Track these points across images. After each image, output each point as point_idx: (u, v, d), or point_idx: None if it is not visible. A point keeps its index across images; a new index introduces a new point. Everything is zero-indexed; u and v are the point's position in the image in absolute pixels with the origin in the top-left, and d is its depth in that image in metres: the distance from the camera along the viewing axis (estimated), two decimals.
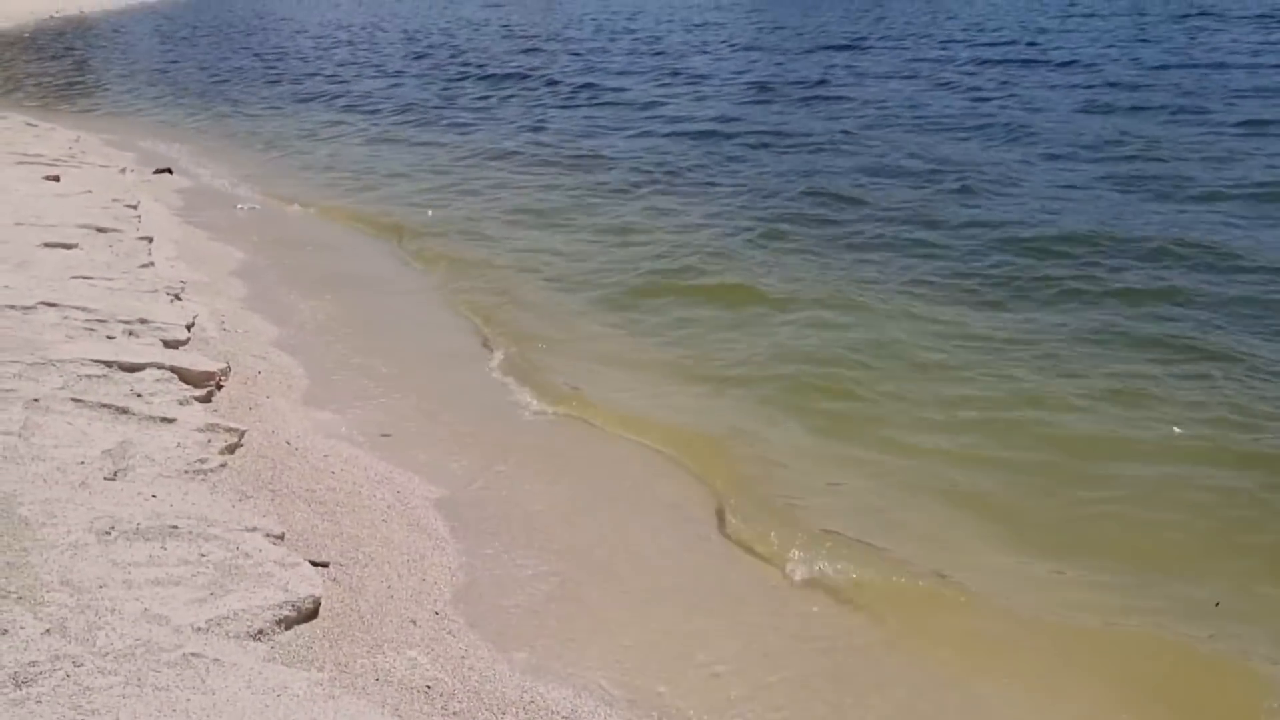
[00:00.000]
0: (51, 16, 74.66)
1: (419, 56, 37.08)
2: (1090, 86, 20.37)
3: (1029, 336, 8.74)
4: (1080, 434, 7.06)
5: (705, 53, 32.00)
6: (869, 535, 5.99)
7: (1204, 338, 8.47)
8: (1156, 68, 21.95)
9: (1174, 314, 9.06)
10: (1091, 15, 34.09)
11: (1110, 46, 25.91)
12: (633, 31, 41.15)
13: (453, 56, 35.93)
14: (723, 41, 35.42)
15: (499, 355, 8.78)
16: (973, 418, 7.32)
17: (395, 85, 29.16)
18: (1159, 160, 14.40)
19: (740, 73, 26.18)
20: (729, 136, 17.90)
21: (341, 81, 30.96)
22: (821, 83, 23.43)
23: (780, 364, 8.36)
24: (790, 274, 10.58)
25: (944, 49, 28.21)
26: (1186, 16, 31.46)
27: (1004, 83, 21.50)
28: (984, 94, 20.42)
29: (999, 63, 24.56)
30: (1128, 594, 5.52)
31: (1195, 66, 21.75)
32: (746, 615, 5.31)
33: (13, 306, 7.25)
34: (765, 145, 17.16)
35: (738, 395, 7.85)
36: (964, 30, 33.16)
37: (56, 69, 38.51)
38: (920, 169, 14.87)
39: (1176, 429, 7.08)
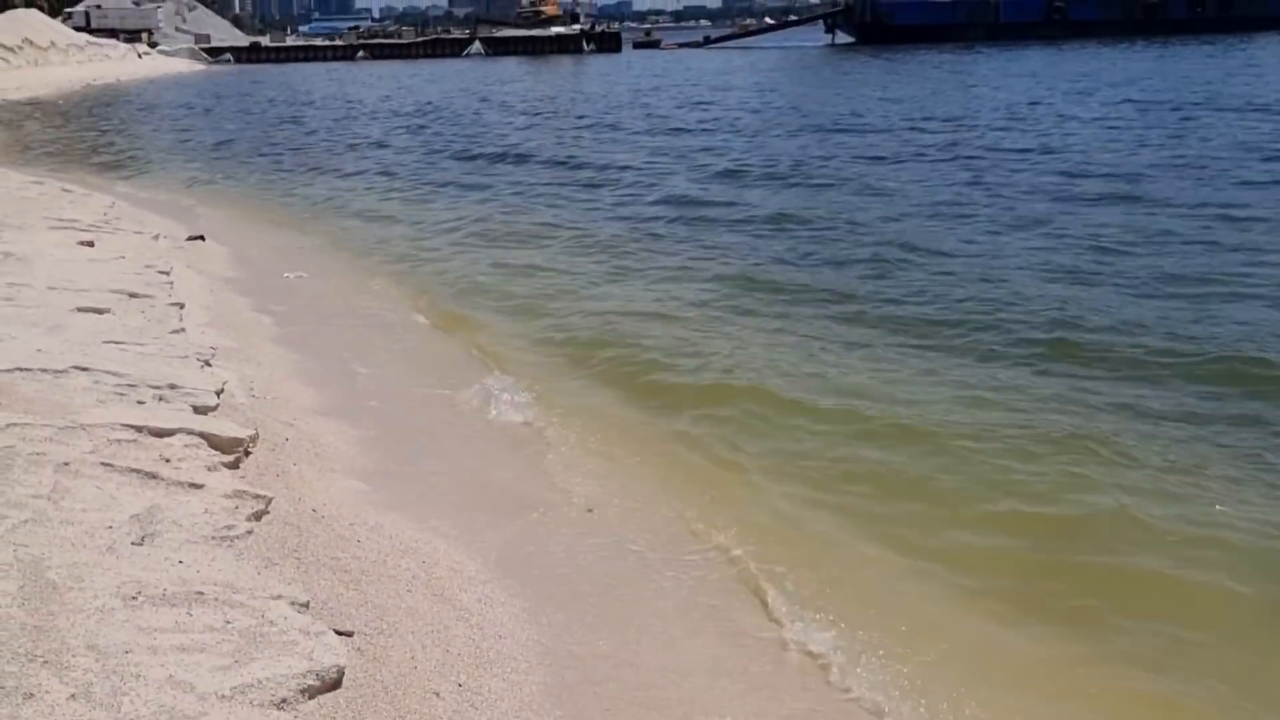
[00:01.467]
0: (88, 85, 76.03)
1: (422, 126, 37.82)
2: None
3: (1037, 410, 8.72)
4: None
5: (737, 132, 32.48)
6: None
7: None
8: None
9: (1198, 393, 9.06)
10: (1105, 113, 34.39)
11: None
12: (648, 106, 41.89)
13: (481, 131, 36.45)
14: (731, 121, 35.88)
15: (519, 420, 8.79)
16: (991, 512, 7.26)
17: (412, 156, 29.69)
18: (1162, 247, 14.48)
19: (744, 153, 26.62)
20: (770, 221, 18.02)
21: (372, 152, 31.46)
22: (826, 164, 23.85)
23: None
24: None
25: (958, 135, 28.51)
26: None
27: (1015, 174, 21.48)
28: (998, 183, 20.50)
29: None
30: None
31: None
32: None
33: (45, 370, 7.31)
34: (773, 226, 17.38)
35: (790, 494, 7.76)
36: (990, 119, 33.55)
37: (93, 135, 39.18)
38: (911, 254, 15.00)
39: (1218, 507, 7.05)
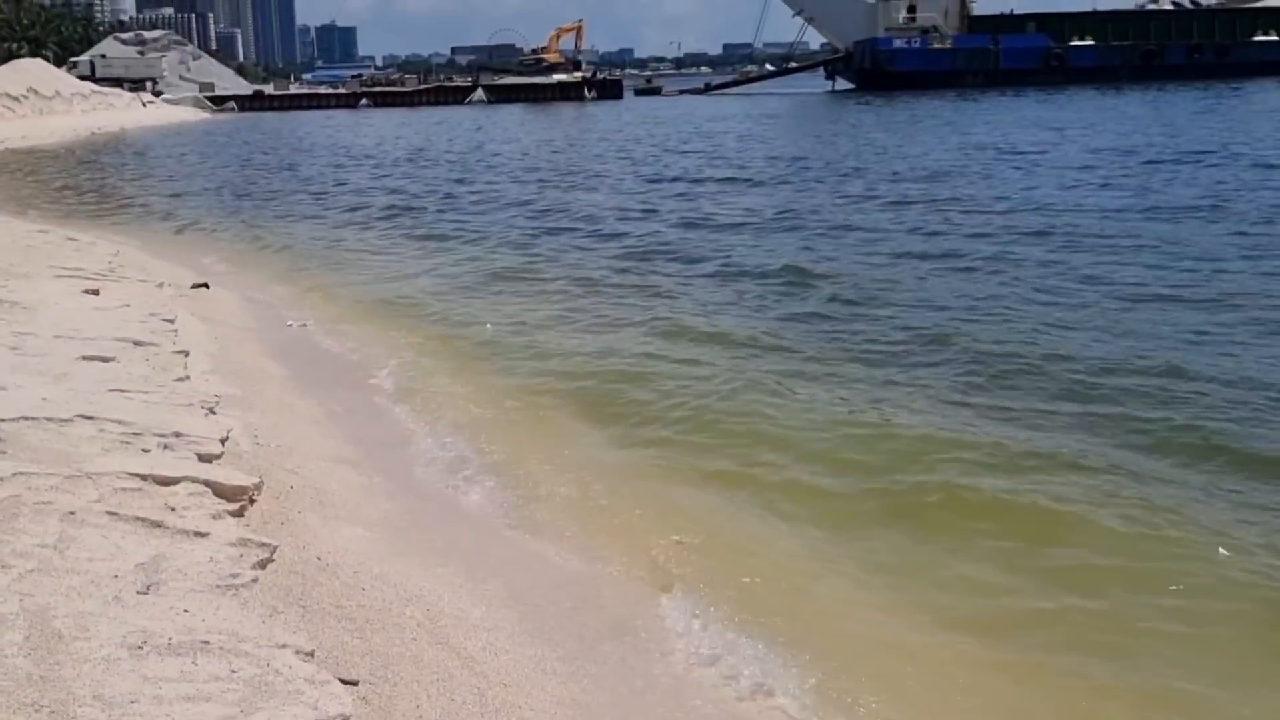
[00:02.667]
0: (93, 133, 76.49)
1: (417, 174, 38.15)
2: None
3: (1050, 451, 8.74)
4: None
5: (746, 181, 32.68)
6: None
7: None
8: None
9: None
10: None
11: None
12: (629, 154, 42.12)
13: (494, 180, 36.70)
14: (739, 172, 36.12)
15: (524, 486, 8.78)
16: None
17: (406, 202, 29.91)
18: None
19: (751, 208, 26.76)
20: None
21: (367, 198, 31.71)
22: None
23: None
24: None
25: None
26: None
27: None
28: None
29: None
30: None
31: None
32: None
33: (51, 418, 7.33)
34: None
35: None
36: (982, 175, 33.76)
37: (97, 183, 39.38)
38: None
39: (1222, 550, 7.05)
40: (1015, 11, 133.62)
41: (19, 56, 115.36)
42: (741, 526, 7.89)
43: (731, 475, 8.79)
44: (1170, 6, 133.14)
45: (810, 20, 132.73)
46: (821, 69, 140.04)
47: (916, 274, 16.92)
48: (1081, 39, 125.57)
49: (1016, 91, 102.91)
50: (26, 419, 7.22)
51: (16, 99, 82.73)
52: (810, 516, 7.97)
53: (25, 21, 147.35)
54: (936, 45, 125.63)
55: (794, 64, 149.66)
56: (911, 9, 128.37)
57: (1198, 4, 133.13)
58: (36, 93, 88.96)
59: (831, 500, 8.24)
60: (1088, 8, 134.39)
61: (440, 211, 28.00)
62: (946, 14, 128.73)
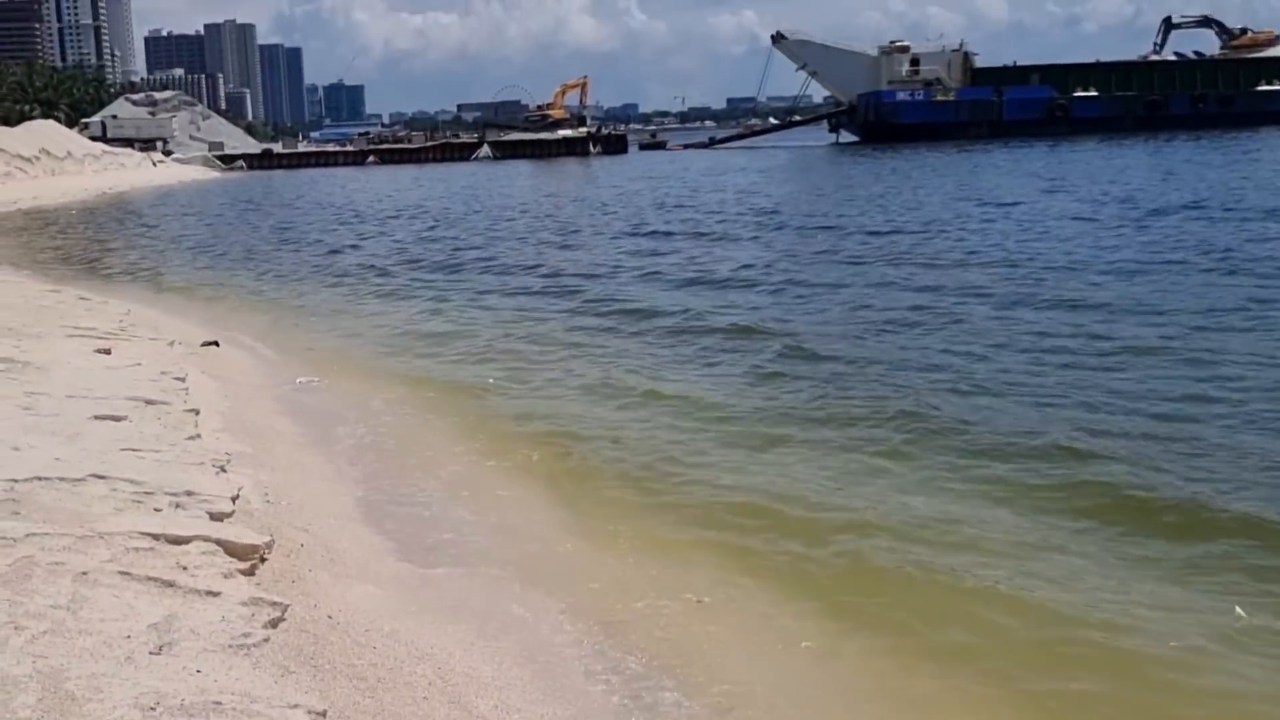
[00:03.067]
0: (104, 193, 77.05)
1: (421, 231, 38.38)
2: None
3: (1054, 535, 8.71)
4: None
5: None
6: None
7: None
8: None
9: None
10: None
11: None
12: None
13: (474, 237, 36.95)
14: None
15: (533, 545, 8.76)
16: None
17: (407, 257, 30.05)
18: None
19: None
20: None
21: (370, 256, 31.95)
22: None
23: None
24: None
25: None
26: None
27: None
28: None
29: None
30: None
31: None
32: None
33: (64, 478, 7.36)
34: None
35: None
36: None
37: (108, 243, 39.64)
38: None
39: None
40: (1019, 63, 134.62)
41: (32, 118, 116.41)
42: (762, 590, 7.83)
43: (739, 539, 8.76)
44: (1174, 57, 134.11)
45: (814, 74, 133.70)
46: (825, 122, 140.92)
47: (867, 332, 16.97)
48: (1085, 90, 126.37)
49: (1020, 143, 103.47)
50: (39, 479, 7.25)
51: (29, 160, 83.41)
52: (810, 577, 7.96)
53: (38, 84, 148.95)
54: (940, 97, 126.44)
55: (798, 117, 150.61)
56: (915, 62, 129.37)
57: (1201, 55, 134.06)
58: (49, 153, 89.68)
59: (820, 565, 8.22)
60: (1091, 59, 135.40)
61: (443, 270, 28.13)
62: (950, 66, 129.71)
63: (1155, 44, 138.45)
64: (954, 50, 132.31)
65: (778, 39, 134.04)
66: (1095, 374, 13.46)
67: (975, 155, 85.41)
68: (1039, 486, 9.51)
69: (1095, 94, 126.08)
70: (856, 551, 8.27)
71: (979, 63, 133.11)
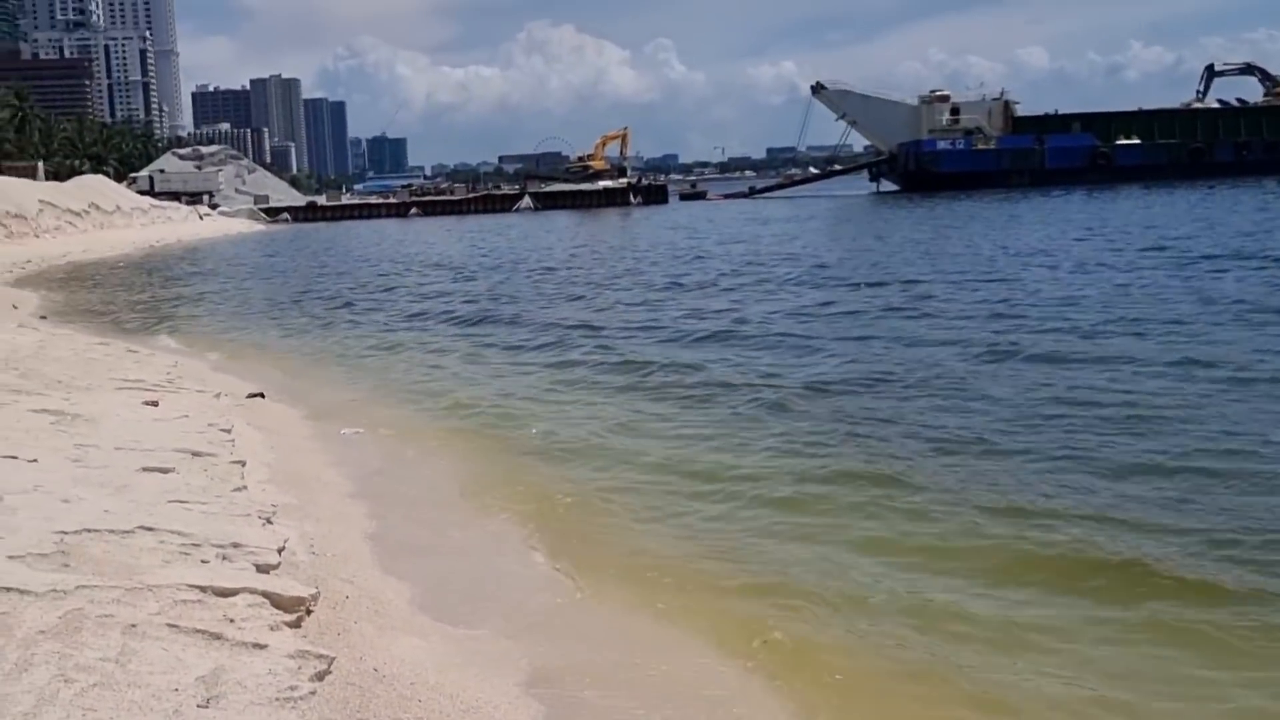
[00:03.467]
0: (152, 246, 78.09)
1: (461, 283, 38.56)
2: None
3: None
4: None
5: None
6: None
7: None
8: None
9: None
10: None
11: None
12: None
13: (519, 289, 37.09)
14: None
15: (577, 593, 8.72)
16: None
17: (447, 307, 30.25)
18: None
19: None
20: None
21: (412, 306, 32.18)
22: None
23: None
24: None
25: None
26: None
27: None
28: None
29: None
30: None
31: None
32: None
33: (112, 530, 7.42)
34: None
35: None
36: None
37: (156, 295, 40.12)
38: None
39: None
40: (1060, 111, 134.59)
41: (82, 172, 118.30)
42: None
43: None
44: (1217, 105, 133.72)
45: (853, 123, 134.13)
46: (866, 171, 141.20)
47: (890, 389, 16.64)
48: (1128, 138, 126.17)
49: (1062, 191, 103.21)
50: (89, 531, 7.32)
51: (79, 214, 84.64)
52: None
53: (88, 139, 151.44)
54: (980, 146, 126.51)
55: (838, 166, 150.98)
56: (955, 111, 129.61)
57: (1244, 102, 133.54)
58: (98, 207, 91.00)
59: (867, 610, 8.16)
60: (1133, 107, 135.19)
61: (483, 322, 28.23)
62: (990, 115, 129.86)
63: (1198, 91, 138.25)
64: (994, 99, 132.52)
65: (817, 89, 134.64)
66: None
67: (1016, 204, 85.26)
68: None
69: (1138, 142, 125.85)
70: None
71: (1020, 111, 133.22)
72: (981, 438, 13.00)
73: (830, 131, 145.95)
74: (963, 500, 10.54)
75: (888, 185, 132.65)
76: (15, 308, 30.35)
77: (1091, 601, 8.11)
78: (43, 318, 28.52)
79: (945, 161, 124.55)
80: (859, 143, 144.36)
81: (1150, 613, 7.80)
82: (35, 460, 9.50)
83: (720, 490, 11.43)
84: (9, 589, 5.94)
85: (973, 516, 10.06)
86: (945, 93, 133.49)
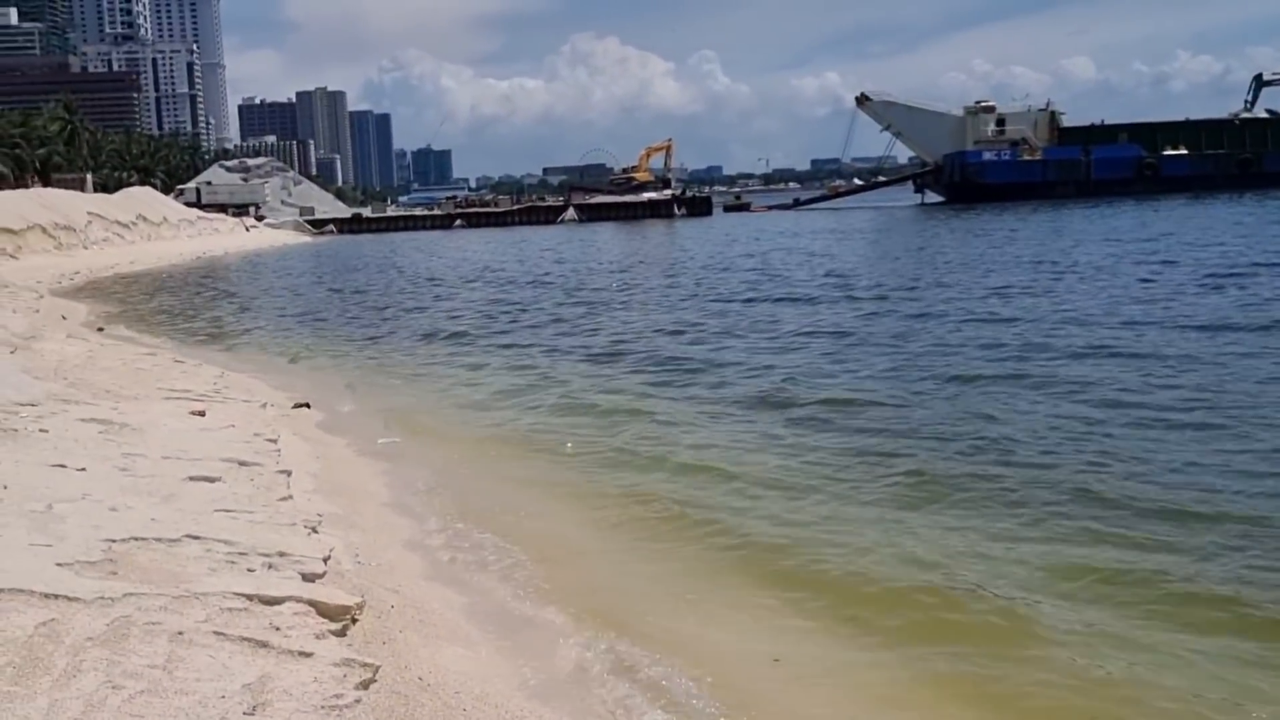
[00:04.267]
0: (198, 257, 78.88)
1: (505, 294, 38.68)
2: None
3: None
4: None
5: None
6: None
7: None
8: None
9: None
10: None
11: None
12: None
13: (562, 299, 37.08)
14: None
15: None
16: None
17: (489, 313, 30.27)
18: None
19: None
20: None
21: (454, 318, 32.28)
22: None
23: None
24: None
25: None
26: None
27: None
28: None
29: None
30: None
31: None
32: None
33: (160, 539, 7.47)
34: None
35: None
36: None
37: (202, 306, 40.49)
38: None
39: None
40: (1106, 122, 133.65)
41: (130, 184, 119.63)
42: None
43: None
44: (1265, 115, 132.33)
45: (898, 134, 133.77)
46: (910, 182, 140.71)
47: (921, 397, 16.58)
48: (1175, 149, 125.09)
49: (1108, 202, 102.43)
50: (136, 539, 7.37)
51: (127, 225, 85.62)
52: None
53: (136, 151, 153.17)
54: (1026, 157, 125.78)
55: (882, 178, 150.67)
56: (1000, 121, 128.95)
57: None
58: (145, 219, 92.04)
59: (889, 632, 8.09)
60: (1181, 117, 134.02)
61: (522, 332, 28.32)
62: (1036, 126, 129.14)
63: (1246, 102, 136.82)
64: (1040, 110, 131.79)
65: (862, 100, 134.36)
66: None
67: (1062, 215, 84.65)
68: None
69: (1185, 152, 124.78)
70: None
71: (1066, 122, 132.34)
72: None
73: (875, 143, 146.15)
74: None
75: (932, 197, 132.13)
76: (64, 318, 30.68)
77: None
78: (100, 329, 28.81)
79: (991, 172, 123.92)
80: (903, 154, 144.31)
81: None
82: (84, 469, 9.58)
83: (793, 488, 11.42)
84: (58, 596, 5.98)
85: None
86: (990, 103, 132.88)
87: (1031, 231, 65.75)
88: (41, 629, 5.57)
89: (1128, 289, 30.75)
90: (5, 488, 8.27)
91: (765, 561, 9.61)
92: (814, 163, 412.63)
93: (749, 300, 33.78)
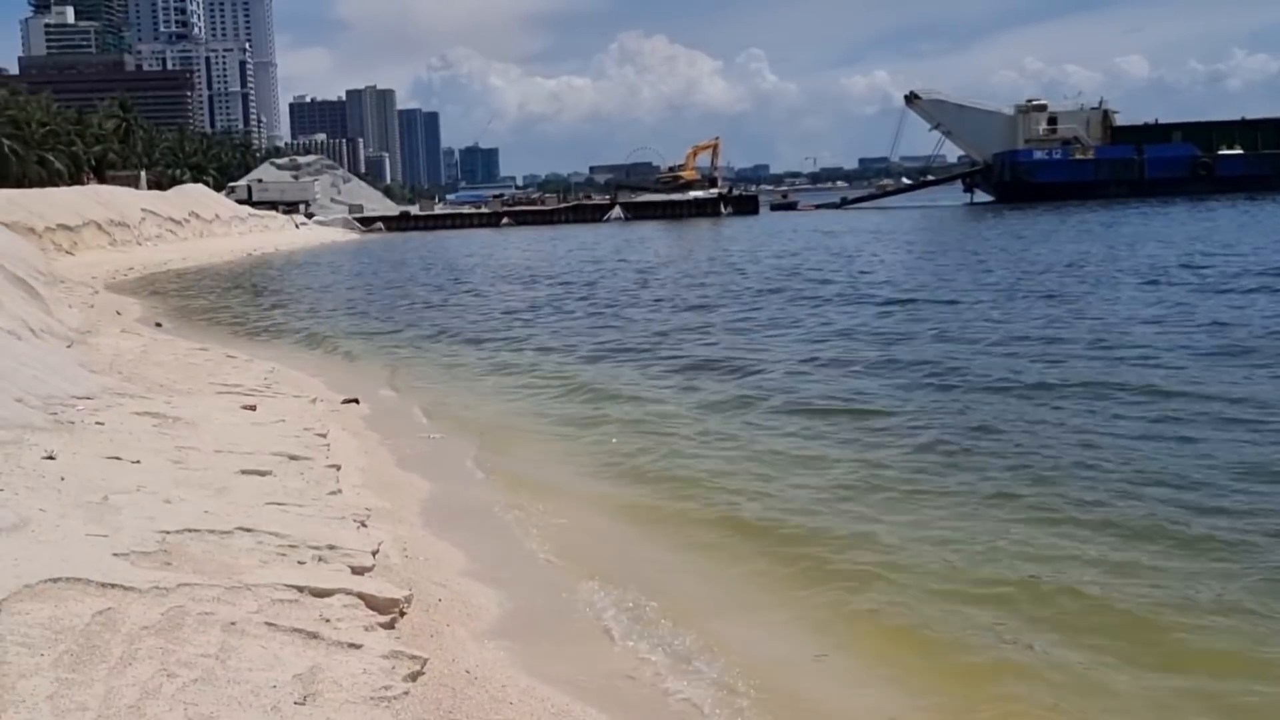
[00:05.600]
0: (249, 254, 79.53)
1: (554, 292, 38.84)
2: None
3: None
4: None
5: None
6: None
7: None
8: None
9: None
10: None
11: None
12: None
13: (608, 296, 37.12)
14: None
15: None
16: None
17: (537, 314, 30.34)
18: None
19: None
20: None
21: (498, 315, 32.43)
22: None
23: None
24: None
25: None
26: None
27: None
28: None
29: None
30: None
31: None
32: None
33: (213, 531, 7.58)
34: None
35: None
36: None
37: (253, 302, 40.88)
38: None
39: None
40: (1160, 121, 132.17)
41: (182, 182, 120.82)
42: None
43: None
44: None
45: (948, 133, 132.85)
46: (960, 181, 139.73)
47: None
48: (1230, 148, 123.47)
49: (1161, 202, 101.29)
50: (190, 531, 7.48)
51: (179, 222, 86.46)
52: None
53: (188, 149, 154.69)
54: (1078, 156, 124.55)
55: (931, 177, 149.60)
56: (1052, 120, 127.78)
57: None
58: (197, 216, 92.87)
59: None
60: (1236, 116, 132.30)
61: (570, 331, 28.39)
62: (1088, 125, 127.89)
63: None
64: (1093, 108, 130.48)
65: (911, 99, 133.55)
66: None
67: (1115, 215, 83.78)
68: None
69: (1240, 152, 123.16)
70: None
71: (1119, 121, 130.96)
72: None
73: (924, 142, 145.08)
74: None
75: (982, 196, 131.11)
76: (119, 313, 31.08)
77: None
78: (157, 325, 29.14)
79: (1042, 172, 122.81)
80: (953, 153, 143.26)
81: None
82: (138, 461, 9.72)
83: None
84: (114, 585, 6.08)
85: None
86: (1042, 102, 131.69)
87: (1125, 230, 64.96)
88: (98, 618, 5.68)
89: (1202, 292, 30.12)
90: (63, 479, 8.41)
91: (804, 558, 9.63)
92: (862, 162, 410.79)
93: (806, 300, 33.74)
